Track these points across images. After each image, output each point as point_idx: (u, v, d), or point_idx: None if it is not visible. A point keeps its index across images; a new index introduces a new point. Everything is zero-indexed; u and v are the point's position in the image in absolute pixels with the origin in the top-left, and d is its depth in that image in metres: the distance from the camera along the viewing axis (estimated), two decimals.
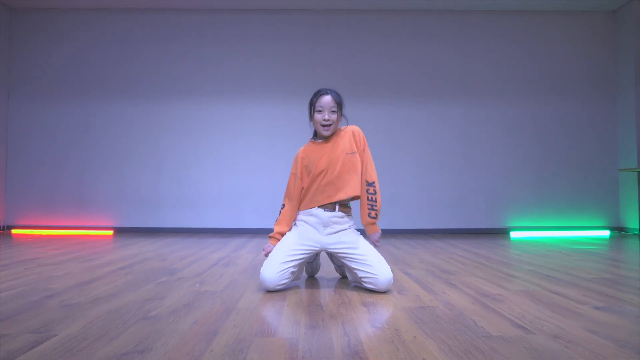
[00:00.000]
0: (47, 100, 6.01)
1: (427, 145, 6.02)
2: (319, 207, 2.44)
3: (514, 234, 5.82)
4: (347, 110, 5.68)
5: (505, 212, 6.01)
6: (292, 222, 2.53)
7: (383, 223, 5.86)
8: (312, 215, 2.45)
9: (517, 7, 6.01)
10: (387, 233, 5.86)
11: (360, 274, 2.35)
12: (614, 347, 1.47)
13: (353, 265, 2.36)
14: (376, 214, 2.45)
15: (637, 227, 5.66)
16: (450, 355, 1.40)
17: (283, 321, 1.78)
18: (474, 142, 6.03)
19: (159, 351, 1.43)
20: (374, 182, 2.48)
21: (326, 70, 6.01)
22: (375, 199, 2.46)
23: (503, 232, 5.94)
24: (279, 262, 2.32)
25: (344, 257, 2.41)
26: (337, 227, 2.43)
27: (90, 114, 6.00)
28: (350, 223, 2.49)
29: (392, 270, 2.97)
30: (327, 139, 2.52)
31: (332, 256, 2.67)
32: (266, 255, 2.44)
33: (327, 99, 2.45)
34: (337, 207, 2.43)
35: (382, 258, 2.37)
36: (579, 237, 5.62)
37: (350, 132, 2.52)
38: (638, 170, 5.44)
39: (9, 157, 5.97)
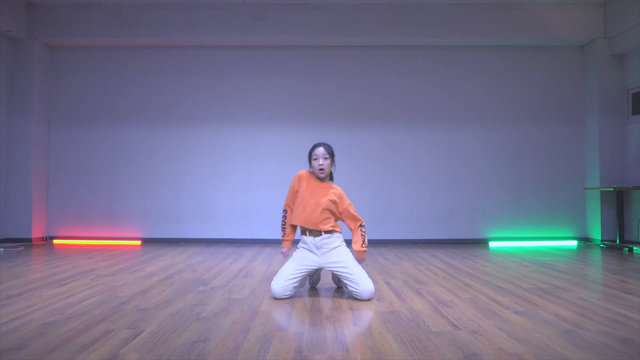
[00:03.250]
0: (83, 127, 6.86)
1: (414, 166, 6.84)
2: (309, 234, 3.25)
3: (492, 244, 6.62)
4: (344, 134, 6.51)
5: (485, 225, 6.82)
6: (293, 227, 3.42)
7: (377, 234, 6.69)
8: (305, 242, 3.28)
9: (495, 43, 6.82)
10: (379, 243, 6.68)
11: (349, 288, 3.17)
12: (508, 340, 2.29)
13: (345, 280, 3.19)
14: (366, 246, 3.30)
15: (599, 238, 6.46)
16: (400, 344, 2.22)
17: (293, 321, 2.61)
18: (457, 163, 6.85)
19: (214, 341, 2.25)
20: (363, 224, 3.34)
21: (326, 101, 6.84)
22: (365, 235, 3.31)
23: (483, 242, 6.75)
24: (284, 279, 3.16)
25: (337, 274, 3.24)
26: (329, 247, 3.23)
27: (120, 139, 6.85)
28: (340, 240, 3.29)
29: (376, 281, 3.80)
30: (322, 180, 3.35)
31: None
32: (284, 256, 3.39)
33: (320, 150, 3.30)
34: (322, 232, 3.23)
35: (366, 275, 3.19)
36: (550, 247, 6.41)
37: (338, 192, 3.32)
38: (601, 189, 6.24)
39: (50, 177, 6.83)
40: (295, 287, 3.21)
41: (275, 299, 3.16)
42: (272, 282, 3.19)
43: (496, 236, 6.80)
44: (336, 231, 3.29)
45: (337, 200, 3.28)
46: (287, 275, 3.18)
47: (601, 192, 6.49)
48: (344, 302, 3.09)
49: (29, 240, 6.49)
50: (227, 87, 6.90)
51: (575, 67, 6.93)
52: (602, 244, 6.32)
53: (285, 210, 3.44)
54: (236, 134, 6.87)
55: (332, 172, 3.45)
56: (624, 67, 6.59)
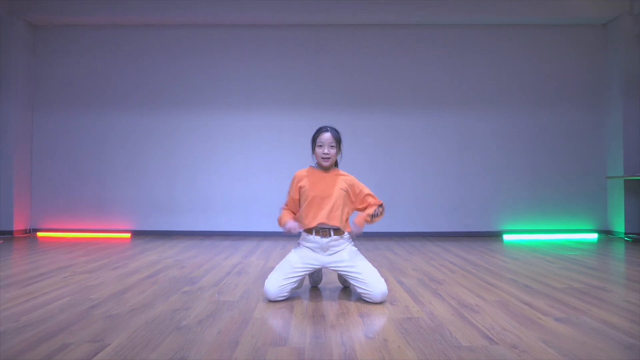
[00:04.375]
0: (69, 112, 6.39)
1: (422, 154, 6.37)
2: (315, 234, 2.79)
3: (506, 237, 6.18)
4: (349, 120, 6.06)
5: (499, 216, 6.37)
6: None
7: (382, 226, 6.24)
8: (311, 241, 2.82)
9: (509, 22, 6.32)
10: (386, 236, 6.23)
11: (358, 290, 2.73)
12: (558, 357, 1.84)
13: (352, 282, 2.76)
14: (372, 218, 2.82)
15: (623, 231, 6.00)
16: None
17: (292, 331, 2.16)
18: (468, 151, 6.38)
19: (193, 359, 1.81)
20: (383, 205, 2.90)
21: (329, 84, 6.36)
22: (380, 214, 2.87)
23: (496, 235, 6.30)
24: (280, 279, 2.72)
25: (343, 275, 2.80)
26: (336, 249, 2.80)
27: (109, 124, 6.39)
28: (347, 243, 2.84)
29: (387, 279, 3.36)
30: (327, 170, 2.90)
31: None
32: (293, 229, 2.78)
33: (327, 136, 2.83)
34: (332, 233, 2.79)
35: (377, 273, 2.75)
36: (569, 240, 5.97)
37: (349, 178, 2.89)
38: (625, 178, 5.78)
39: (34, 165, 6.37)
40: (292, 288, 2.78)
41: (270, 301, 2.72)
42: (266, 280, 2.76)
43: (510, 229, 6.35)
44: (346, 231, 2.87)
45: (349, 188, 2.86)
46: (284, 274, 2.74)
47: (625, 181, 6.02)
48: (352, 306, 2.64)
49: (11, 232, 6.05)
50: (223, 68, 6.42)
51: (596, 47, 6.43)
52: (626, 237, 5.87)
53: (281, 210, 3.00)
54: (233, 119, 6.40)
55: (338, 160, 2.99)
56: None
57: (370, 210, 2.86)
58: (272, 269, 3.75)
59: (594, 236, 6.21)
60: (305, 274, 2.81)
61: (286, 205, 2.98)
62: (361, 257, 2.84)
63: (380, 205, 2.90)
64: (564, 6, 6.09)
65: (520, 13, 6.12)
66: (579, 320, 2.34)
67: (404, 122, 6.39)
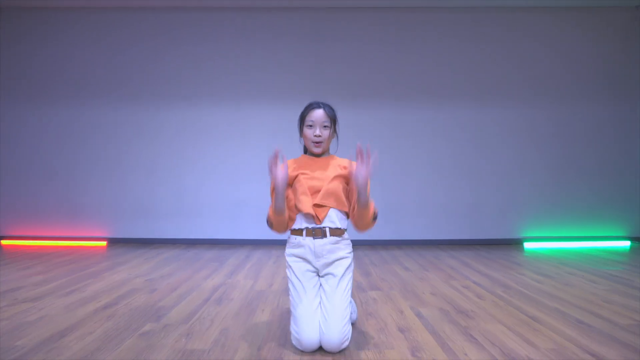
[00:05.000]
0: (36, 103, 5.70)
1: (434, 150, 5.69)
2: (307, 235, 2.15)
3: (527, 245, 5.52)
4: (351, 112, 5.39)
5: (519, 221, 5.70)
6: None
7: (388, 233, 5.58)
8: (301, 246, 2.16)
9: (533, 4, 5.63)
10: (392, 244, 5.56)
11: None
12: None
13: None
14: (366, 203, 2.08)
15: None
16: None
17: None
18: (486, 146, 5.70)
19: None
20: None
21: (330, 72, 5.67)
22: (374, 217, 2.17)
23: (516, 243, 5.63)
24: (314, 320, 2.04)
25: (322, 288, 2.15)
26: (332, 257, 2.14)
27: (82, 117, 5.70)
28: (347, 249, 2.19)
29: (403, 310, 2.69)
30: (319, 156, 2.29)
31: None
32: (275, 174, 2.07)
33: (319, 113, 2.22)
34: (327, 232, 2.14)
35: (344, 314, 2.05)
36: (597, 248, 5.32)
37: (347, 161, 2.26)
38: None
39: None
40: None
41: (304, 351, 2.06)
42: (297, 330, 2.05)
43: (531, 235, 5.67)
44: (344, 237, 2.20)
45: (347, 168, 2.20)
46: (312, 309, 2.07)
47: None
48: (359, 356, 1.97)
49: None
50: (212, 57, 5.72)
51: (630, 31, 5.73)
52: None
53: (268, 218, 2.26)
54: (223, 114, 5.71)
55: (333, 145, 2.35)
56: None
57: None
58: (260, 292, 3.12)
59: (626, 244, 5.54)
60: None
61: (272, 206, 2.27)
62: (349, 278, 2.15)
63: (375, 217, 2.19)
64: None
65: None
66: None
67: (412, 117, 5.70)
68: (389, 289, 3.29)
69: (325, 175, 2.19)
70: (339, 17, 5.70)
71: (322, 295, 2.11)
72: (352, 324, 2.43)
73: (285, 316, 2.62)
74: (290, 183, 2.21)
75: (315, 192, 2.16)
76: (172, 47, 5.72)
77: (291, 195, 2.21)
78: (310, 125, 2.23)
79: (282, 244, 5.45)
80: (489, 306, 2.82)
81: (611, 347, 2.11)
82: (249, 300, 2.95)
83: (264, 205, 5.42)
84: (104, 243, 5.54)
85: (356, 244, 5.26)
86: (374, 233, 5.42)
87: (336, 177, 2.18)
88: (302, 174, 2.21)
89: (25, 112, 5.70)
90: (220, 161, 5.69)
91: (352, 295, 2.98)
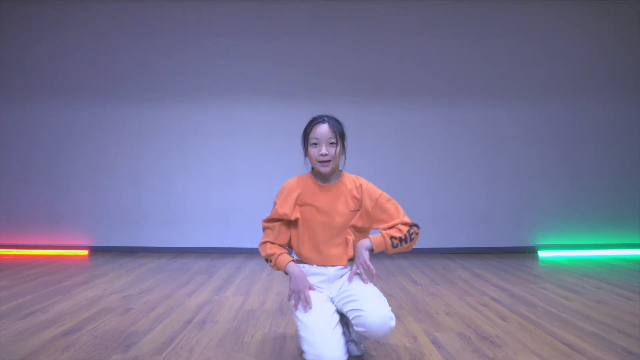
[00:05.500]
0: (15, 103, 5.29)
1: (442, 153, 5.29)
2: (318, 265, 1.94)
3: (542, 253, 5.12)
4: (353, 113, 5.01)
5: (533, 228, 5.29)
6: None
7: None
8: (311, 274, 1.92)
9: None
10: (399, 254, 5.14)
11: (349, 314, 1.80)
12: None
13: (345, 309, 1.83)
14: (392, 242, 1.86)
15: None
16: None
17: None
18: (495, 150, 5.30)
19: None
20: (416, 226, 1.93)
21: (329, 69, 5.28)
22: (410, 240, 1.89)
23: (530, 252, 5.22)
24: (330, 330, 1.74)
25: (339, 303, 1.86)
26: (349, 272, 1.94)
27: (64, 119, 5.29)
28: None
29: (416, 337, 2.29)
30: (328, 179, 1.99)
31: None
32: (291, 300, 1.86)
33: (323, 129, 1.93)
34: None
35: (378, 294, 1.83)
36: (617, 256, 4.93)
37: (358, 184, 2.00)
38: None
39: None
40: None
41: None
42: (314, 352, 1.68)
43: (546, 243, 5.27)
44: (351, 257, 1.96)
45: (361, 202, 1.94)
46: (331, 325, 1.76)
47: None
48: None
49: None
50: (201, 51, 5.32)
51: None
52: None
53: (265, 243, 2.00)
54: (213, 113, 5.31)
55: (341, 163, 2.05)
56: None
57: (393, 231, 1.87)
58: (250, 312, 2.73)
59: None
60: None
61: (270, 234, 1.98)
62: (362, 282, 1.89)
63: (412, 226, 1.89)
64: None
65: None
66: None
67: (419, 115, 5.30)
68: (398, 307, 2.88)
69: (334, 210, 1.93)
70: (339, 8, 5.30)
71: (349, 299, 1.82)
72: (359, 356, 2.02)
73: (278, 342, 2.22)
74: (293, 218, 1.95)
75: (320, 227, 1.93)
76: (158, 40, 5.31)
77: (291, 235, 2.00)
78: (315, 143, 1.92)
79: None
80: (516, 330, 2.42)
81: None
82: (237, 323, 2.54)
83: (258, 211, 5.04)
84: (85, 252, 5.12)
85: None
86: None
87: (348, 212, 1.94)
88: (308, 205, 1.94)
89: (2, 113, 5.29)
90: (210, 164, 5.28)
91: None
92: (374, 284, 1.91)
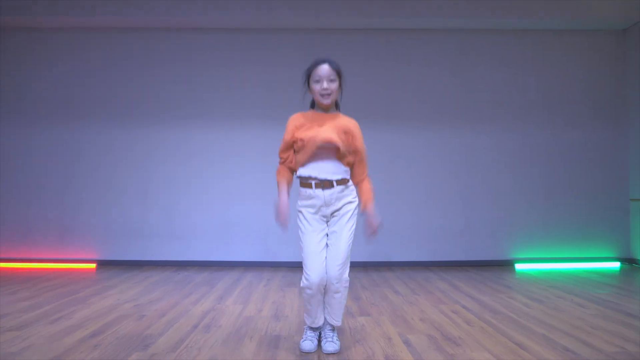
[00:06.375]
0: (29, 125, 5.71)
1: (425, 173, 5.73)
2: (316, 187, 2.38)
3: (519, 266, 5.54)
4: None
5: (510, 243, 5.72)
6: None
7: (379, 255, 5.59)
8: (312, 197, 2.40)
9: (520, 26, 5.74)
10: (383, 266, 5.56)
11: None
12: None
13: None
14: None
15: None
16: None
17: None
18: (475, 169, 5.75)
19: None
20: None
21: None
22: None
23: (507, 265, 5.64)
24: (320, 260, 2.35)
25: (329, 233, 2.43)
26: (340, 203, 2.41)
27: (74, 140, 5.71)
28: (353, 195, 2.48)
29: (390, 337, 2.70)
30: (326, 110, 2.47)
31: None
32: (282, 220, 2.42)
33: (324, 69, 2.37)
34: (334, 183, 2.39)
35: (346, 251, 2.38)
36: (588, 269, 5.36)
37: (354, 123, 2.53)
38: None
39: None
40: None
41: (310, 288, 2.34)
42: (305, 270, 2.35)
43: (523, 257, 5.70)
44: (350, 182, 2.49)
45: (353, 131, 2.46)
46: (318, 250, 2.38)
47: None
48: None
49: None
50: (204, 79, 5.77)
51: (616, 54, 5.84)
52: None
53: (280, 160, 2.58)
54: (216, 136, 5.74)
55: (339, 101, 2.56)
56: None
57: (370, 194, 2.54)
58: (248, 318, 3.13)
59: (615, 265, 5.57)
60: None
61: (281, 156, 2.56)
62: (353, 221, 2.45)
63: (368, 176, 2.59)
64: (581, 9, 5.48)
65: (532, 16, 5.50)
66: None
67: (404, 137, 5.75)
68: (379, 314, 3.29)
69: (330, 131, 2.37)
70: (330, 38, 5.77)
71: (328, 239, 2.40)
72: (335, 353, 2.43)
73: (273, 342, 2.62)
74: (294, 141, 2.46)
75: (317, 144, 2.37)
76: (162, 68, 5.76)
77: (292, 157, 2.51)
78: (317, 80, 2.37)
79: (274, 266, 5.44)
80: (477, 333, 2.83)
81: None
82: (238, 327, 2.94)
83: (254, 227, 5.49)
84: (93, 265, 5.50)
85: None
86: (365, 255, 5.45)
87: (340, 135, 2.39)
88: (305, 128, 2.42)
89: (17, 132, 5.70)
90: (210, 184, 5.70)
91: (342, 323, 2.98)
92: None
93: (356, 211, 2.45)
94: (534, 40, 5.84)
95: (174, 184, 5.71)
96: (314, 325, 2.49)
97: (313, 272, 2.31)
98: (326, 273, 2.34)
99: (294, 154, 2.49)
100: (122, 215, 5.67)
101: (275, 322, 3.09)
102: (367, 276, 4.90)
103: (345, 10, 5.47)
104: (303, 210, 2.43)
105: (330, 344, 2.44)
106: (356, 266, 5.46)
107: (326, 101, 2.39)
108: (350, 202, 2.44)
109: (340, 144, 2.35)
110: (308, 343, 2.47)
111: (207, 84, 5.76)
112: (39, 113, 5.72)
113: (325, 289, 2.38)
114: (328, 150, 2.37)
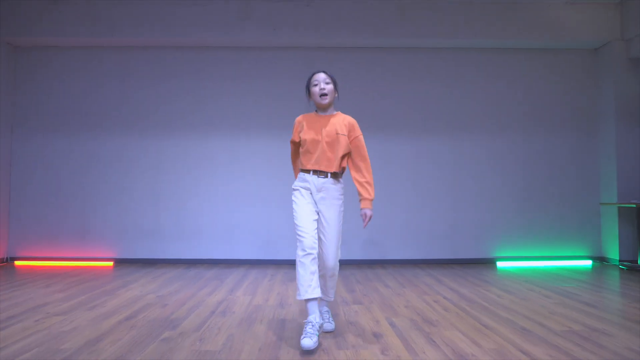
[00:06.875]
0: (50, 135, 6.22)
1: (416, 179, 6.26)
2: (313, 174, 2.79)
3: (500, 264, 6.05)
4: None
5: (492, 243, 6.24)
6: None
7: (373, 254, 6.10)
8: (306, 181, 2.80)
9: (503, 45, 6.28)
10: (377, 264, 6.09)
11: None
12: None
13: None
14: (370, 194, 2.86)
15: (617, 258, 5.90)
16: None
17: None
18: (461, 175, 6.28)
19: None
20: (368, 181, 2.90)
21: None
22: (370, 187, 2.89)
23: (490, 262, 6.17)
24: (313, 228, 2.72)
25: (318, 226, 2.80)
26: (328, 194, 2.78)
27: (92, 149, 6.22)
28: (340, 193, 2.84)
29: (378, 320, 3.20)
30: (325, 110, 2.88)
31: None
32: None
33: (321, 75, 2.84)
34: (329, 175, 2.79)
35: (337, 244, 2.79)
36: (563, 267, 5.87)
37: (348, 120, 2.90)
38: (618, 204, 5.70)
39: (12, 190, 6.17)
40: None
41: (304, 250, 2.67)
42: (300, 236, 2.69)
43: (504, 255, 6.23)
44: (341, 182, 2.88)
45: (348, 129, 2.87)
46: (311, 218, 2.75)
47: (619, 208, 5.94)
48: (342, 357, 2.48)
49: None
50: (210, 92, 6.29)
51: (589, 71, 6.40)
52: (621, 264, 5.76)
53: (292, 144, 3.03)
54: (221, 144, 6.26)
55: (334, 104, 2.96)
56: None
57: (367, 193, 2.85)
58: (257, 306, 3.61)
59: (588, 263, 6.10)
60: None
61: (292, 153, 3.07)
62: (338, 224, 2.82)
63: (369, 184, 2.89)
64: (558, 30, 6.06)
65: (514, 36, 6.06)
66: None
67: (396, 145, 6.28)
68: (370, 303, 3.81)
69: (326, 131, 2.78)
70: (328, 56, 6.30)
71: (319, 225, 2.78)
72: (331, 332, 2.94)
73: (279, 324, 3.13)
74: (297, 140, 2.91)
75: (314, 144, 2.78)
76: (174, 86, 6.28)
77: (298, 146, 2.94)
78: (315, 84, 2.81)
79: (276, 264, 5.94)
80: (452, 317, 3.35)
81: (541, 347, 2.64)
82: (249, 313, 3.45)
83: (258, 228, 6.00)
84: (111, 263, 6.00)
85: (344, 264, 5.80)
86: (360, 254, 5.99)
87: (336, 134, 2.79)
88: (305, 128, 2.83)
89: (38, 144, 6.21)
90: (217, 188, 6.21)
91: (337, 309, 3.47)
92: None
93: (342, 209, 2.83)
94: (515, 58, 6.38)
95: (183, 189, 6.22)
96: (307, 296, 2.59)
97: (306, 232, 2.65)
98: (323, 263, 2.77)
99: (299, 147, 2.91)
100: (136, 218, 6.18)
101: (281, 309, 3.60)
102: (361, 273, 5.42)
103: (343, 30, 6.00)
104: (298, 187, 2.82)
105: (327, 324, 2.95)
106: (351, 264, 5.99)
107: (324, 101, 2.81)
108: (337, 199, 2.80)
109: (338, 139, 2.78)
110: (307, 340, 2.49)
111: (213, 97, 6.28)
112: (59, 124, 6.23)
113: (322, 275, 2.83)
114: (327, 147, 2.76)
